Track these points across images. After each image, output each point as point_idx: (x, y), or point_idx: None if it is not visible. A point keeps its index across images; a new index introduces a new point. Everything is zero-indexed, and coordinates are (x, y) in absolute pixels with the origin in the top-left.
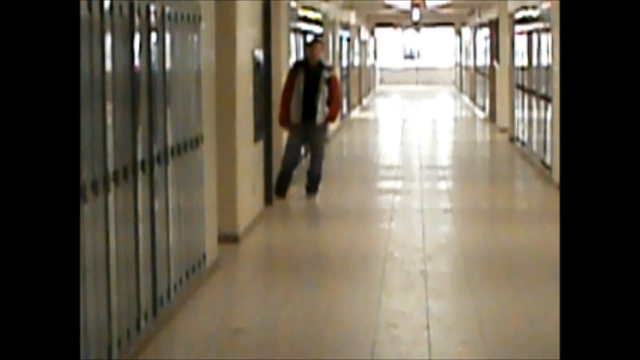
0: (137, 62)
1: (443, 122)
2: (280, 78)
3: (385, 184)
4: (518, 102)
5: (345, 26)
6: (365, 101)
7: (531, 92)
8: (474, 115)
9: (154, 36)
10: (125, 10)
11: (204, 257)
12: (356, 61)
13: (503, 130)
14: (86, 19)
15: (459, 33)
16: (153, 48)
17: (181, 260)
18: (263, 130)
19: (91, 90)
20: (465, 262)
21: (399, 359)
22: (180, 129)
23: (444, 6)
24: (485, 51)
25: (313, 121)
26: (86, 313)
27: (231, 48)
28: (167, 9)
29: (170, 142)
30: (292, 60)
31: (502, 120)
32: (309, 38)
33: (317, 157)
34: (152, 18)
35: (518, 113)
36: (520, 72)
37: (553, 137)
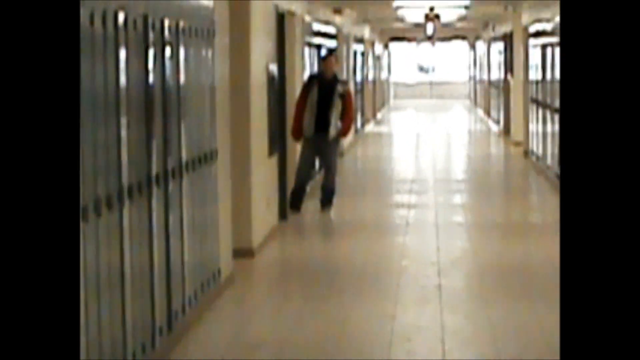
0: (151, 76)
1: (457, 136)
2: (295, 92)
3: (399, 198)
4: (532, 115)
5: (359, 40)
6: (379, 115)
7: (546, 106)
8: (488, 129)
9: (168, 51)
10: (140, 24)
11: (219, 271)
12: (370, 75)
13: (517, 144)
14: (100, 33)
15: (473, 47)
16: (167, 62)
17: (196, 275)
18: (277, 144)
19: (105, 104)
20: (480, 276)
21: None
22: (195, 144)
23: (458, 20)
24: (500, 65)
25: (326, 134)
26: (101, 328)
27: (245, 62)
28: (182, 24)
29: (184, 156)
30: (307, 74)
31: (517, 133)
32: (323, 52)
33: (330, 171)
34: (167, 32)
35: (532, 127)
36: (534, 86)
37: None
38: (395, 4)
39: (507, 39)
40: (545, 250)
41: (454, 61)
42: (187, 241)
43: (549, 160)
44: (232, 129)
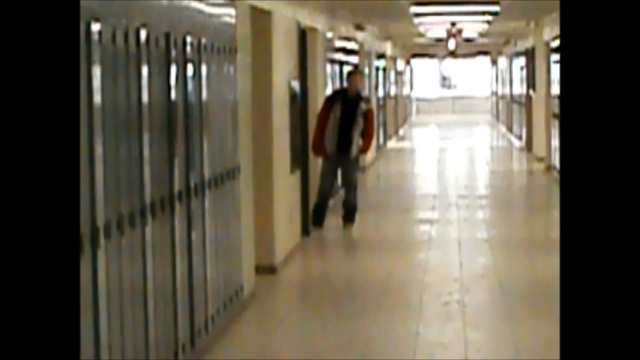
0: (173, 93)
1: (479, 152)
2: (317, 108)
3: (422, 214)
4: (555, 131)
5: (381, 56)
6: (401, 131)
7: None
8: (511, 144)
9: (190, 68)
10: (162, 41)
11: (242, 288)
12: (392, 91)
13: (540, 160)
14: (122, 50)
15: (494, 62)
16: (189, 79)
17: (218, 292)
18: (300, 160)
19: (128, 121)
20: (504, 293)
21: None
22: (217, 160)
23: (480, 35)
24: (522, 80)
25: (348, 153)
26: (124, 345)
27: (267, 79)
28: (203, 41)
29: (207, 173)
30: (329, 90)
31: (539, 149)
32: (345, 68)
33: (351, 188)
34: (189, 49)
35: (555, 142)
36: (557, 101)
37: None
38: (416, 20)
39: (529, 54)
40: None
41: (476, 77)
42: (210, 258)
43: None
44: (255, 145)
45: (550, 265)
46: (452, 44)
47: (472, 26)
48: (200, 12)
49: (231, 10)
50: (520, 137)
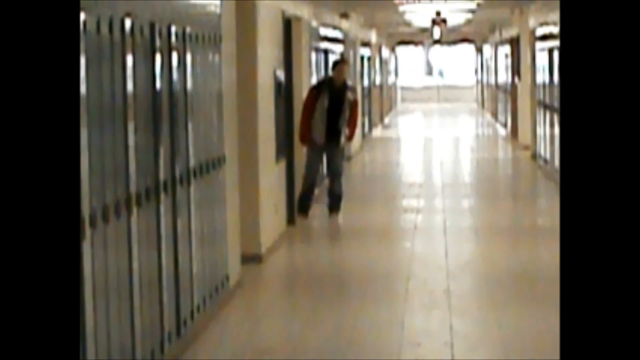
0: (158, 82)
1: (465, 140)
2: (302, 97)
3: (407, 203)
4: (540, 119)
5: (366, 44)
6: (386, 120)
7: (553, 109)
8: (496, 132)
9: (175, 57)
10: (146, 31)
11: (227, 277)
12: (377, 79)
13: (525, 148)
14: (107, 40)
15: (479, 50)
16: (174, 69)
17: (204, 281)
18: (285, 149)
19: (112, 111)
20: (489, 281)
21: None
22: (202, 150)
23: (464, 24)
24: (507, 68)
25: (336, 142)
26: (110, 335)
27: (252, 68)
28: (188, 30)
29: (192, 162)
30: (314, 79)
31: (524, 137)
32: (331, 57)
33: (337, 176)
34: (173, 39)
35: (540, 130)
36: (542, 89)
37: None
38: (402, 8)
39: (514, 42)
40: (554, 254)
41: (461, 65)
42: (195, 247)
43: (556, 164)
44: (240, 134)
45: (535, 253)
46: (437, 33)
47: (457, 15)
48: (185, 1)
49: (217, 0)
50: (505, 125)
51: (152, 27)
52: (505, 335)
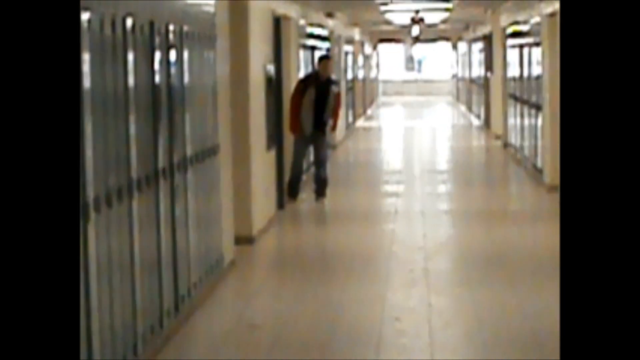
0: (157, 77)
1: (441, 130)
2: (290, 90)
3: (388, 188)
4: (511, 110)
5: (350, 42)
6: (369, 111)
7: (523, 101)
8: (470, 123)
9: (173, 53)
10: (146, 29)
11: (222, 258)
12: (360, 74)
13: (497, 137)
14: (109, 37)
15: (455, 47)
16: (172, 64)
17: (200, 261)
18: (275, 139)
19: (115, 103)
20: (464, 260)
21: (402, 350)
22: (198, 139)
23: (441, 22)
24: (480, 63)
25: (322, 132)
26: (113, 311)
27: (244, 63)
28: (185, 28)
29: (189, 151)
30: (301, 73)
31: (496, 127)
32: (317, 53)
33: (323, 163)
34: (171, 36)
35: (511, 120)
36: (512, 83)
37: (544, 142)
38: (382, 8)
39: (487, 39)
40: (525, 236)
41: (437, 61)
42: (192, 230)
43: (526, 152)
44: (233, 125)
45: (507, 235)
46: (415, 30)
47: (434, 14)
48: (182, 1)
49: (211, 0)
50: (479, 116)
51: (151, 25)
52: (479, 311)
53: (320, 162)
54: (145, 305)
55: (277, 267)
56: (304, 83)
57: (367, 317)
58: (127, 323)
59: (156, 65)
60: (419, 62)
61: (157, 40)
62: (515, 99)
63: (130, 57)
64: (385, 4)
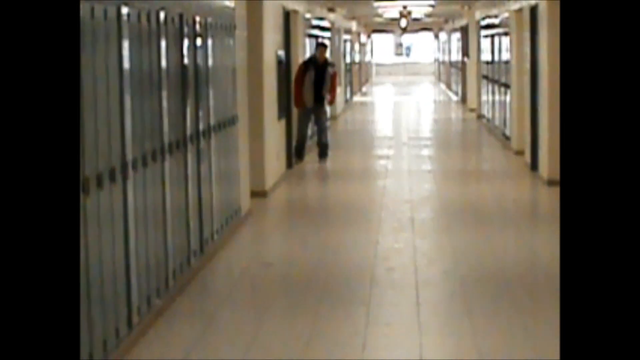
0: (186, 60)
1: (425, 105)
2: None
3: (380, 151)
4: (483, 88)
5: (348, 31)
6: (364, 89)
7: (494, 81)
8: (449, 99)
9: (199, 41)
10: (176, 21)
11: (240, 208)
12: (357, 58)
13: (472, 110)
14: (146, 28)
15: (437, 36)
16: (198, 50)
17: (221, 211)
18: (284, 111)
19: (150, 82)
20: (444, 210)
21: (391, 284)
22: (220, 111)
23: (425, 15)
24: (458, 50)
25: (321, 104)
26: (148, 252)
27: (259, 49)
28: (209, 20)
29: (212, 121)
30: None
31: (472, 102)
32: (320, 42)
33: (323, 130)
34: (198, 27)
35: (484, 97)
36: (485, 66)
37: (511, 115)
38: (375, 4)
39: (464, 30)
40: (494, 190)
41: (422, 47)
42: (215, 185)
43: (496, 122)
44: (249, 99)
45: (480, 190)
46: (403, 22)
47: (419, 9)
48: None
49: None
50: (456, 93)
51: (180, 18)
52: (456, 252)
53: (321, 130)
54: (175, 247)
55: (286, 216)
56: (305, 65)
57: (362, 257)
58: (160, 261)
59: (185, 51)
60: (407, 49)
61: (185, 30)
62: (487, 79)
63: (163, 44)
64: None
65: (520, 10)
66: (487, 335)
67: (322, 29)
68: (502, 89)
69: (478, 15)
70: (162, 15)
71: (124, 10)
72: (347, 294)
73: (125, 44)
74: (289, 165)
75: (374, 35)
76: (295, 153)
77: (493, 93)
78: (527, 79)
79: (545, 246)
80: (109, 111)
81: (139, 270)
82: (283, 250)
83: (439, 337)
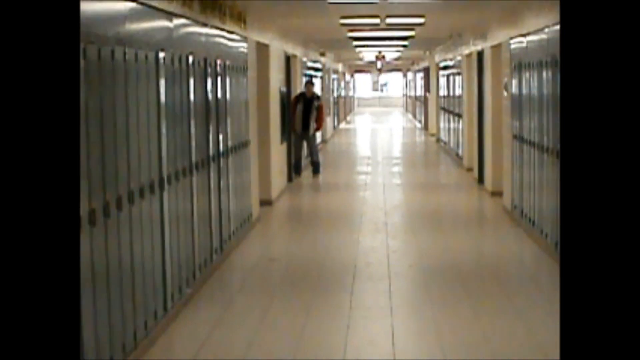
0: (209, 94)
1: (395, 131)
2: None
3: (360, 168)
4: (441, 117)
5: (336, 71)
6: (348, 118)
7: (449, 112)
8: (415, 126)
9: (219, 79)
10: (202, 63)
11: (251, 214)
12: (342, 93)
13: (432, 135)
14: (178, 69)
15: (405, 75)
16: (219, 86)
17: (236, 217)
18: (286, 135)
19: (181, 112)
20: (410, 216)
21: (370, 275)
22: (236, 136)
23: (396, 59)
24: (421, 86)
25: (308, 130)
26: (179, 248)
27: (266, 86)
28: (227, 62)
29: (230, 144)
30: None
31: (432, 128)
32: (314, 80)
33: (314, 152)
34: (218, 68)
35: (441, 124)
36: (442, 99)
37: (463, 139)
38: (357, 49)
39: (426, 70)
40: (450, 199)
41: (393, 84)
42: (232, 196)
43: (451, 145)
44: (258, 127)
45: (438, 199)
46: (379, 64)
47: (391, 54)
48: (225, 45)
49: (244, 44)
50: (420, 122)
51: (205, 60)
52: (420, 249)
53: (312, 151)
54: (201, 245)
55: (287, 220)
56: (297, 98)
57: (347, 253)
58: (189, 257)
59: (208, 87)
60: (382, 85)
61: (208, 70)
62: (444, 110)
63: (191, 81)
64: (359, 46)
65: (470, 54)
66: (444, 315)
67: (315, 69)
68: (456, 118)
69: (437, 58)
70: (190, 58)
71: (161, 54)
72: (335, 283)
73: (162, 82)
74: (290, 179)
75: (356, 75)
76: (294, 169)
77: (449, 121)
78: (475, 110)
79: (489, 244)
80: (149, 136)
81: (172, 264)
82: (285, 248)
83: (406, 317)
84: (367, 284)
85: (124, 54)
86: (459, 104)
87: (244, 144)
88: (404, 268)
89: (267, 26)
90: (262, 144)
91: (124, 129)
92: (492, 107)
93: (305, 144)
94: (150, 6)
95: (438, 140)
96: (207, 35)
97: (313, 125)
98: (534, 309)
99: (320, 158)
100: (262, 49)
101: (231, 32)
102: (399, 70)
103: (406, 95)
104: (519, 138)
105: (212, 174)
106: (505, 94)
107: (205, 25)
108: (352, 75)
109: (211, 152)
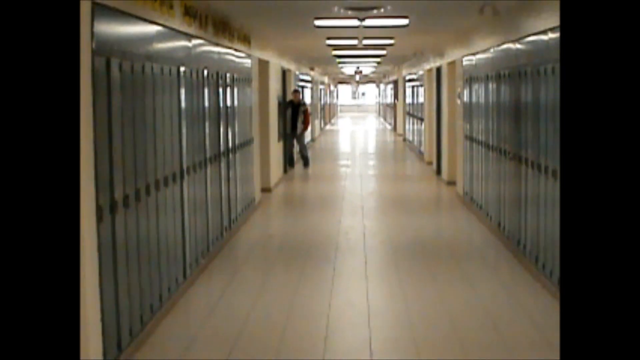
0: (221, 102)
1: (370, 131)
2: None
3: (342, 162)
4: (407, 120)
5: (323, 83)
6: (332, 121)
7: (414, 116)
8: (386, 128)
9: (228, 89)
10: (215, 76)
11: (254, 199)
12: (328, 101)
13: (400, 135)
14: (195, 81)
15: (378, 86)
16: (228, 95)
17: (242, 201)
18: (282, 135)
19: (197, 116)
20: (382, 201)
21: (349, 250)
22: (242, 135)
23: (371, 73)
24: (391, 95)
25: (295, 131)
26: (197, 227)
27: (266, 94)
28: (235, 76)
29: (237, 142)
30: None
31: (400, 130)
32: (305, 90)
33: (303, 148)
34: (228, 80)
35: (407, 126)
36: (408, 106)
37: (424, 138)
38: (339, 65)
39: (395, 82)
40: (413, 187)
41: (369, 94)
42: (239, 184)
43: (415, 143)
44: (260, 128)
45: (404, 187)
46: (357, 77)
47: (367, 69)
48: (233, 61)
49: (249, 60)
50: (390, 124)
51: (217, 74)
52: (390, 228)
53: (301, 148)
54: (214, 225)
55: (283, 204)
56: (287, 104)
57: (331, 231)
58: (204, 234)
59: (220, 96)
60: (360, 94)
61: (220, 82)
62: (410, 114)
63: (206, 91)
64: (341, 62)
65: (430, 69)
66: (409, 281)
67: (306, 81)
68: (419, 121)
69: (404, 72)
70: (205, 72)
71: (182, 69)
72: (321, 255)
73: (182, 91)
74: (285, 170)
75: (339, 85)
76: (288, 162)
77: (413, 124)
78: (434, 114)
79: (446, 223)
80: (172, 135)
81: (190, 239)
82: (281, 226)
83: (378, 283)
84: (347, 256)
85: (152, 68)
86: (421, 109)
87: (248, 142)
88: (376, 243)
89: (267, 46)
90: (263, 141)
91: (151, 129)
92: (448, 113)
93: (295, 142)
94: (173, 29)
95: (404, 139)
96: (219, 53)
97: (300, 126)
98: (479, 275)
99: (309, 153)
100: (263, 65)
101: (238, 51)
102: (373, 82)
103: (379, 102)
104: (469, 138)
105: (222, 166)
106: (458, 102)
107: (217, 44)
108: (335, 86)
109: (222, 148)
